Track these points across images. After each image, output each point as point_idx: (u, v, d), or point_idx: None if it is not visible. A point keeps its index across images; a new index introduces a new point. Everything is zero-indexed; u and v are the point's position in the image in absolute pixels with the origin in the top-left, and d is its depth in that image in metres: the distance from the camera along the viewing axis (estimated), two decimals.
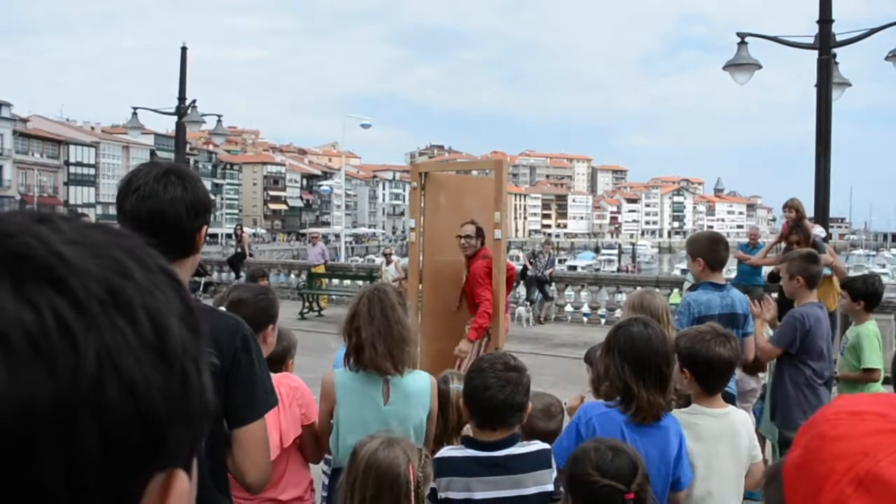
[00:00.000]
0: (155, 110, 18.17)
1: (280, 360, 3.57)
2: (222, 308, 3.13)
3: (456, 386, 3.40)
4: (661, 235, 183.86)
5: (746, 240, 13.91)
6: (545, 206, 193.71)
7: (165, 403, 0.51)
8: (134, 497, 0.52)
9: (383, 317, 3.24)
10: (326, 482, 3.66)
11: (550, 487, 2.87)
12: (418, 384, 3.37)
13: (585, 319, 17.27)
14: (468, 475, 2.80)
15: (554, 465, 2.89)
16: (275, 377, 3.23)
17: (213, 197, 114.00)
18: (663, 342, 3.08)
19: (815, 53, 10.05)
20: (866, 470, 0.79)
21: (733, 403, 4.24)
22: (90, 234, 0.53)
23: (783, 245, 9.78)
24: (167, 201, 2.28)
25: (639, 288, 16.01)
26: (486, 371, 2.87)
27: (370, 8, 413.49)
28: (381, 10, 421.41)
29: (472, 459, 2.80)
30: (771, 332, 5.23)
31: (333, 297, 19.03)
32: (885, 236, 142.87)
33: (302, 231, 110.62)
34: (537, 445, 2.93)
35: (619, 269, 67.16)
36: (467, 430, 3.05)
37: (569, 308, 18.22)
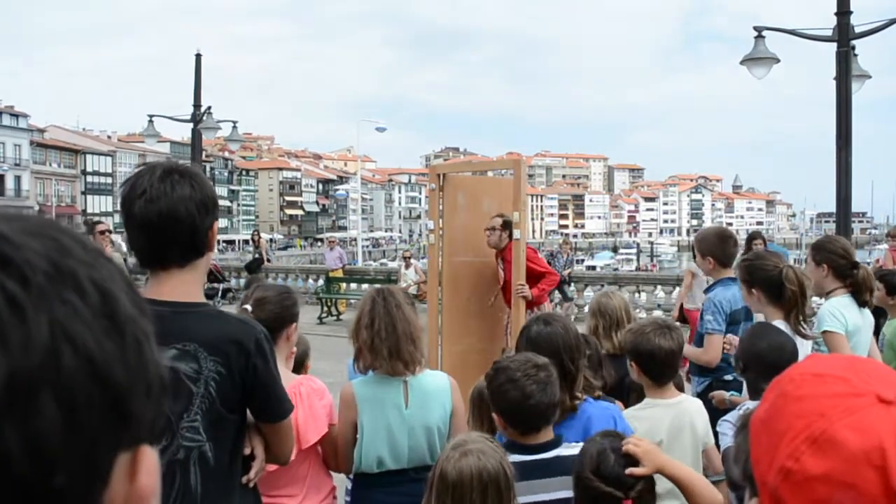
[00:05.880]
0: (170, 118, 18.15)
1: (299, 364, 3.60)
2: (247, 307, 3.13)
3: None
4: (679, 234, 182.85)
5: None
6: (562, 206, 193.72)
7: (123, 370, 0.52)
8: (105, 472, 0.52)
9: (388, 316, 3.21)
10: (349, 487, 3.60)
11: None
12: (437, 384, 3.34)
13: None
14: (517, 480, 2.65)
15: None
16: (297, 378, 3.24)
17: (229, 203, 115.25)
18: (567, 335, 3.05)
19: (832, 46, 9.94)
20: (821, 430, 0.86)
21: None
22: (26, 217, 0.54)
23: None
24: (177, 200, 2.23)
25: (654, 285, 16.03)
26: (520, 379, 2.69)
27: (372, 11, 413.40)
28: (384, 12, 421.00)
29: (518, 464, 2.61)
30: None
31: (352, 301, 19.00)
32: None
33: (318, 236, 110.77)
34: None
35: (637, 269, 66.97)
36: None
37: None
